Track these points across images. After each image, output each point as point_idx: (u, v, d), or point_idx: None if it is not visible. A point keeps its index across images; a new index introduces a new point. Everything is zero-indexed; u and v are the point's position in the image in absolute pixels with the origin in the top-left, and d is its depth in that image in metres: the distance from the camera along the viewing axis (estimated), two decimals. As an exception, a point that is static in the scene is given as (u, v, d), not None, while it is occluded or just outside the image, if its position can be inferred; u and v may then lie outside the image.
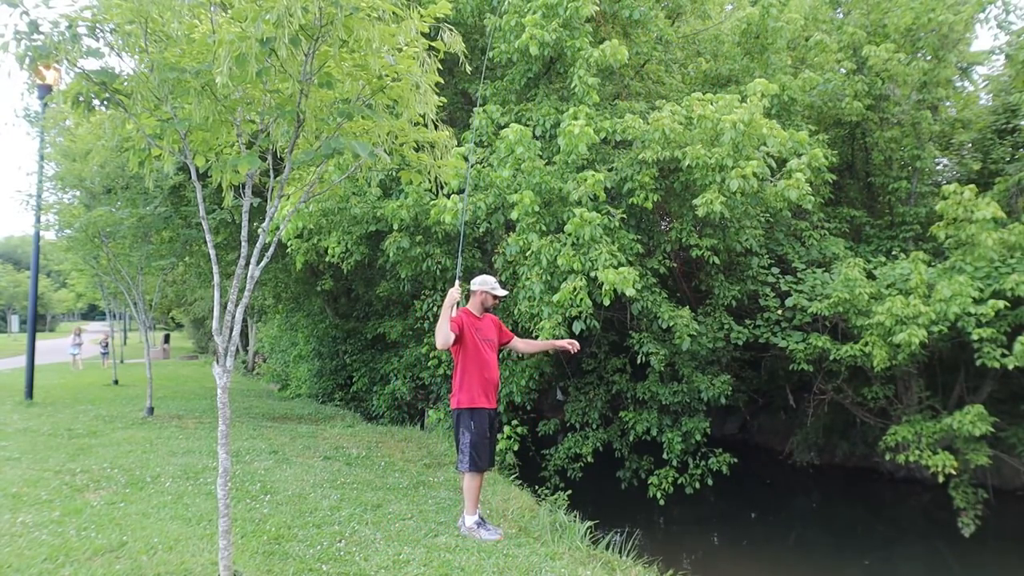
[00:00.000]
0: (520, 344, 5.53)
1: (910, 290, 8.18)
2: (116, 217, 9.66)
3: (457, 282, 4.92)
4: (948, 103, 11.99)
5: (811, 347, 8.69)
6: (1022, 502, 10.28)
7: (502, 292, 5.14)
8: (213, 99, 3.25)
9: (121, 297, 15.09)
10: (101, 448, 7.49)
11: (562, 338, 7.31)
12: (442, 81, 3.77)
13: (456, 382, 4.99)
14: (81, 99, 3.32)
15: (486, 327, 5.05)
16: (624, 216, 8.29)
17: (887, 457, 9.23)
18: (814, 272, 9.08)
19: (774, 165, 8.30)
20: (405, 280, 9.91)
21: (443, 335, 4.75)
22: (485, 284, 5.06)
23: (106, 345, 20.71)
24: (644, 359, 8.75)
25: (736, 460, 9.35)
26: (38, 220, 11.21)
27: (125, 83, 3.31)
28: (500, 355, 9.71)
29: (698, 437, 8.99)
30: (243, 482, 6.04)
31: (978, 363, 8.00)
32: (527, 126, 8.37)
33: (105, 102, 3.36)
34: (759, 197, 8.44)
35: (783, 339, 8.93)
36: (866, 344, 8.26)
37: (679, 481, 9.07)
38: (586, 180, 7.83)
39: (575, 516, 6.22)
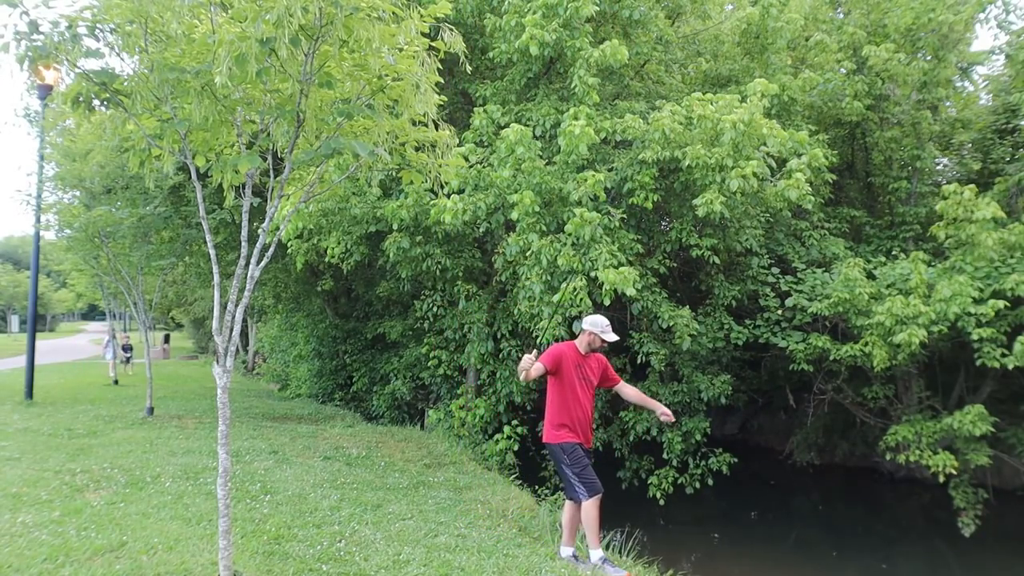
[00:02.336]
0: (627, 390, 5.24)
1: (910, 290, 8.19)
2: (116, 217, 9.65)
3: (535, 351, 4.80)
4: (948, 103, 12.00)
5: (811, 347, 8.69)
6: (1022, 502, 10.27)
7: (612, 337, 4.90)
8: (213, 99, 3.25)
9: (121, 297, 15.08)
10: (101, 448, 7.49)
11: (562, 339, 7.32)
12: (442, 81, 3.77)
13: (547, 414, 4.89)
14: (81, 99, 3.32)
15: (589, 366, 4.91)
16: (624, 216, 8.29)
17: (887, 457, 9.23)
18: (814, 272, 9.08)
19: (774, 165, 8.30)
20: (405, 280, 9.91)
21: (524, 374, 4.68)
22: (595, 326, 4.87)
23: (128, 347, 19.80)
24: (644, 359, 8.75)
25: (736, 460, 9.35)
26: (38, 220, 11.20)
27: (125, 83, 3.31)
28: (499, 353, 9.82)
29: (698, 437, 8.99)
30: (243, 482, 6.04)
31: (978, 363, 8.01)
32: (527, 126, 8.37)
33: (105, 102, 3.35)
34: (759, 197, 8.45)
35: (783, 339, 8.94)
36: (866, 344, 8.27)
37: (679, 481, 9.07)
38: (586, 180, 7.83)
39: (575, 516, 6.20)
